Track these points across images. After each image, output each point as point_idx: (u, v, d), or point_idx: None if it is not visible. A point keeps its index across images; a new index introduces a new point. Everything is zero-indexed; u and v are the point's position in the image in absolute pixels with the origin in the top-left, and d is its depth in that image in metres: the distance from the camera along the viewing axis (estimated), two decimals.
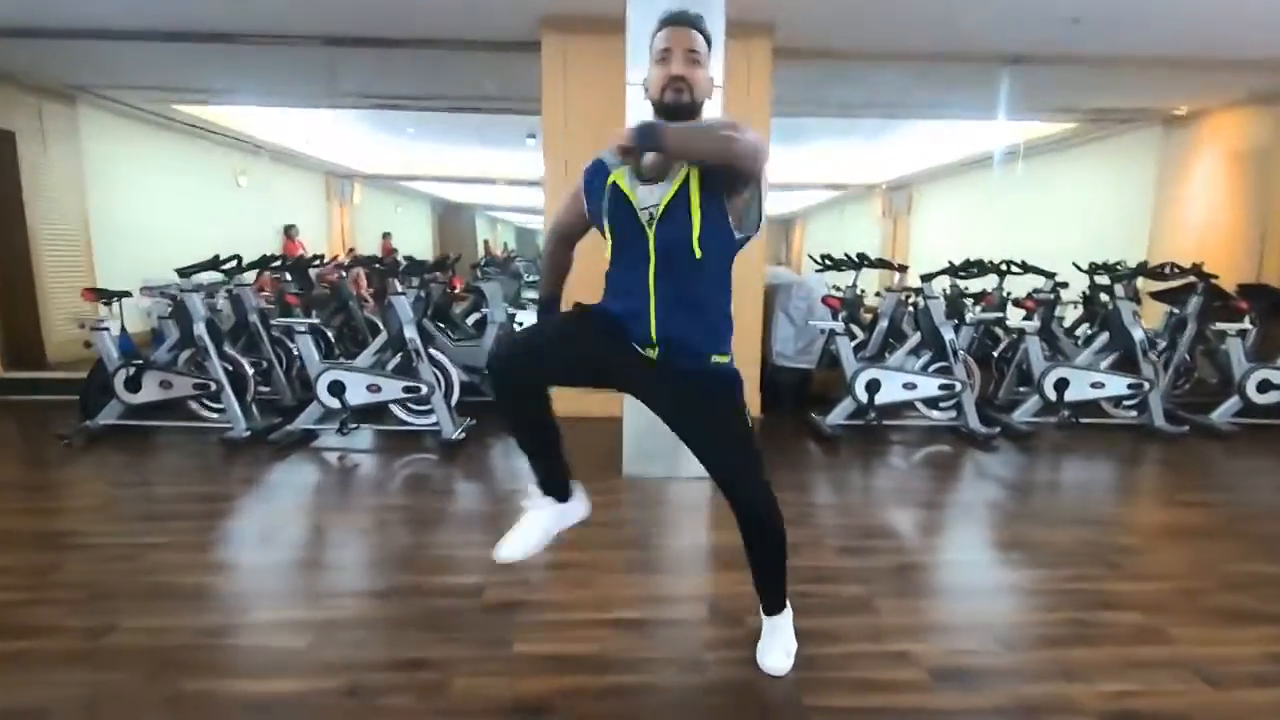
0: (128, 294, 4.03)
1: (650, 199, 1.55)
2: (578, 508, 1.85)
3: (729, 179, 1.51)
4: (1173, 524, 2.97)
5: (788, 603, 1.85)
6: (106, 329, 3.78)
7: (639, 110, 3.15)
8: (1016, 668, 1.84)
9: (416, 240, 16.38)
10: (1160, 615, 2.10)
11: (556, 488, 1.79)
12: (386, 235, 13.65)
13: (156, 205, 7.54)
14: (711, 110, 1.72)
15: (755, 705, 1.69)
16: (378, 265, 4.94)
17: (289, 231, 10.40)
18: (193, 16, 4.39)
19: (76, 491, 3.23)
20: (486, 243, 18.99)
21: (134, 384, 3.79)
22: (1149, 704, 1.68)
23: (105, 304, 3.85)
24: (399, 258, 13.03)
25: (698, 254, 1.53)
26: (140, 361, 3.79)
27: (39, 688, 1.71)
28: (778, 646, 1.81)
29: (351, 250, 12.01)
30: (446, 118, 7.41)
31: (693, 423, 1.70)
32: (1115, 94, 6.11)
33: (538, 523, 1.78)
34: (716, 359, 1.64)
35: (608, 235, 1.63)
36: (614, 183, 1.58)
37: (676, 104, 1.54)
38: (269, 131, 8.59)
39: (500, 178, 12.47)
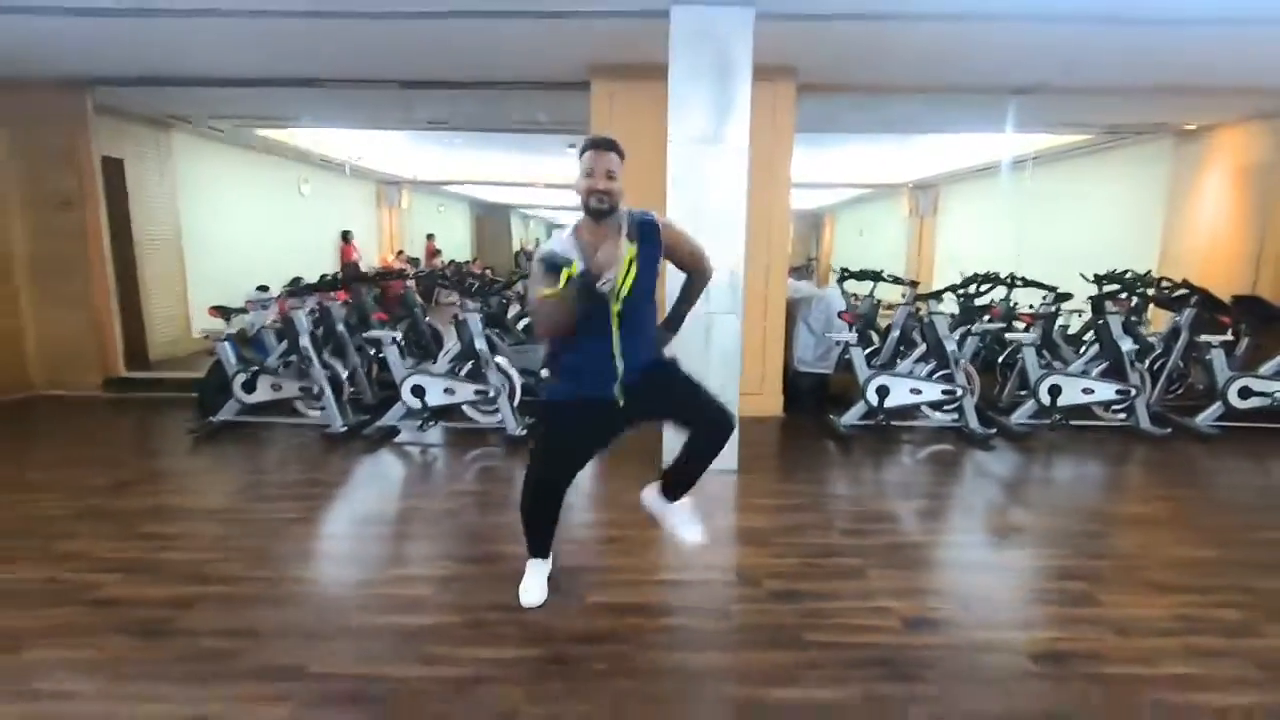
0: (243, 311, 4.74)
1: (605, 279, 2.09)
2: (551, 561, 2.59)
3: (671, 257, 2.33)
4: (1136, 515, 3.46)
5: None
6: (228, 339, 4.49)
7: (678, 157, 3.73)
8: (973, 620, 2.40)
9: (458, 238, 17.19)
10: (1097, 584, 2.63)
11: (548, 550, 2.53)
12: (430, 236, 14.43)
13: (233, 216, 8.35)
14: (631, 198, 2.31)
15: (767, 640, 2.28)
16: (441, 276, 5.54)
17: (346, 236, 11.20)
18: (286, 65, 5.06)
19: (214, 477, 3.95)
20: (521, 249, 19.67)
21: (250, 386, 4.50)
22: (1069, 647, 2.22)
23: (225, 319, 4.56)
24: (442, 259, 13.78)
25: (654, 297, 2.27)
26: (256, 367, 4.50)
27: (246, 618, 2.37)
28: (694, 520, 2.53)
29: (400, 252, 12.80)
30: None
31: (669, 398, 2.35)
32: (1125, 112, 6.46)
33: (540, 574, 2.51)
34: (652, 358, 2.33)
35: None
36: (570, 276, 2.05)
37: (599, 210, 2.14)
38: (326, 145, 9.33)
39: (539, 181, 13.12)
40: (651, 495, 2.57)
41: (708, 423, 2.33)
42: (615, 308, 2.17)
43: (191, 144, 7.50)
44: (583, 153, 2.16)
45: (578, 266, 2.10)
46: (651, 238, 2.22)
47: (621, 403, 2.25)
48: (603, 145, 2.15)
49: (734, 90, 3.63)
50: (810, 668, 2.12)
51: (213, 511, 3.34)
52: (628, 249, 2.15)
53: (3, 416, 5.07)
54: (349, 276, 5.31)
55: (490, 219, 19.18)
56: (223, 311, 4.56)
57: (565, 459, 2.36)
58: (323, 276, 4.88)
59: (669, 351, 2.48)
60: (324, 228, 10.82)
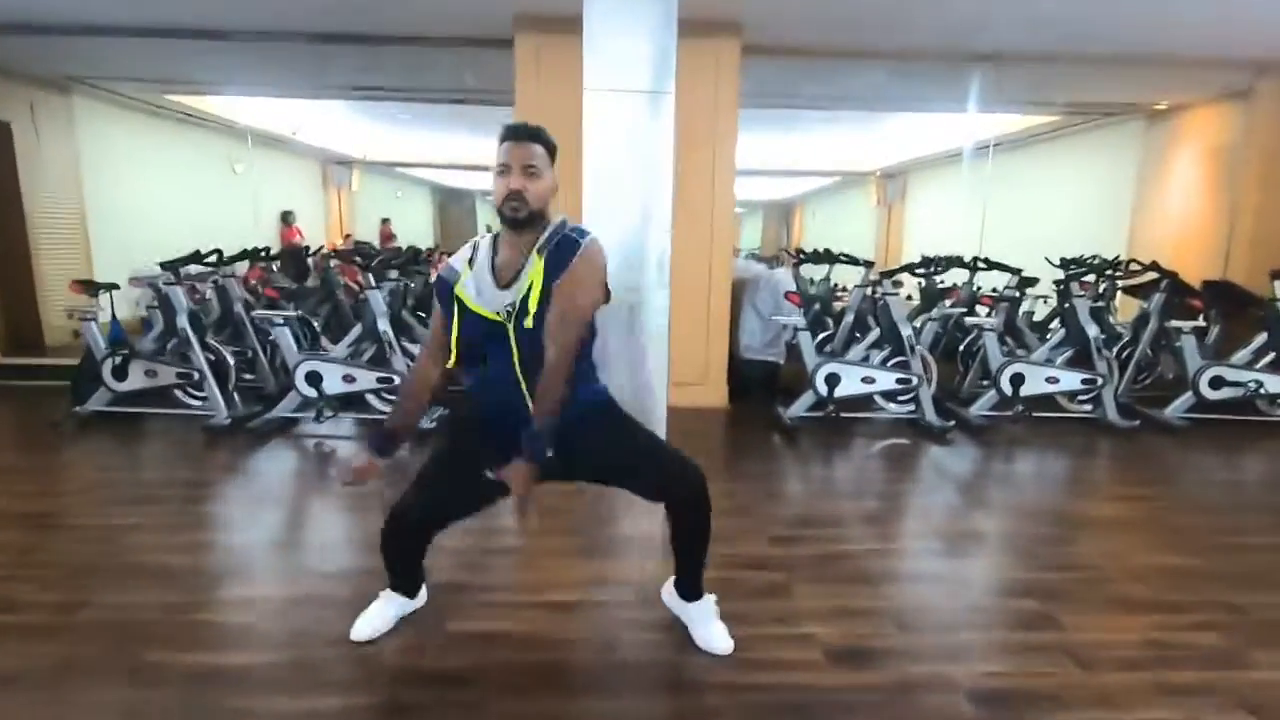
0: (115, 286, 4.20)
1: (504, 299, 1.68)
2: (420, 599, 2.12)
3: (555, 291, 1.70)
4: (1100, 516, 3.10)
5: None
6: (93, 319, 3.94)
7: (594, 107, 3.28)
8: (908, 649, 1.99)
9: (418, 225, 16.52)
10: (1055, 602, 2.25)
11: (413, 589, 2.07)
12: (386, 221, 13.76)
13: (152, 193, 7.68)
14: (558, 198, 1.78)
15: (658, 680, 1.86)
16: (355, 259, 5.04)
17: (286, 218, 10.54)
18: (182, 13, 4.50)
19: (64, 475, 3.42)
20: (489, 227, 19.09)
21: (121, 372, 3.96)
22: (1016, 684, 1.83)
23: (92, 295, 4.01)
24: (398, 244, 13.21)
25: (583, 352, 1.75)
26: (127, 351, 3.96)
27: (10, 658, 1.89)
28: (719, 624, 1.98)
29: (349, 236, 12.15)
30: (436, 107, 7.51)
31: (604, 458, 1.83)
32: (1094, 89, 6.15)
33: (389, 609, 2.02)
34: (576, 408, 1.74)
35: (455, 346, 1.73)
36: (455, 294, 1.70)
37: (515, 219, 1.65)
38: (261, 119, 8.70)
39: (491, 165, 12.55)
40: (669, 594, 2.06)
41: (674, 494, 1.80)
42: (513, 351, 1.70)
43: (97, 111, 6.83)
44: (499, 144, 1.68)
45: (465, 290, 1.70)
46: (562, 261, 1.67)
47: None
48: (522, 134, 1.67)
49: (661, 28, 3.19)
50: (706, 718, 1.70)
51: (36, 517, 2.83)
52: (533, 266, 1.67)
53: None
54: (246, 253, 4.74)
55: (454, 205, 18.52)
56: (89, 286, 4.01)
57: (437, 488, 1.84)
58: (200, 251, 4.30)
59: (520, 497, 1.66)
60: (262, 208, 10.15)
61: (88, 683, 1.79)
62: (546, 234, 1.70)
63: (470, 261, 1.73)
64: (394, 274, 4.43)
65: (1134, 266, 5.04)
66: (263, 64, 5.64)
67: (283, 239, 10.48)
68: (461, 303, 1.71)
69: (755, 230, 17.76)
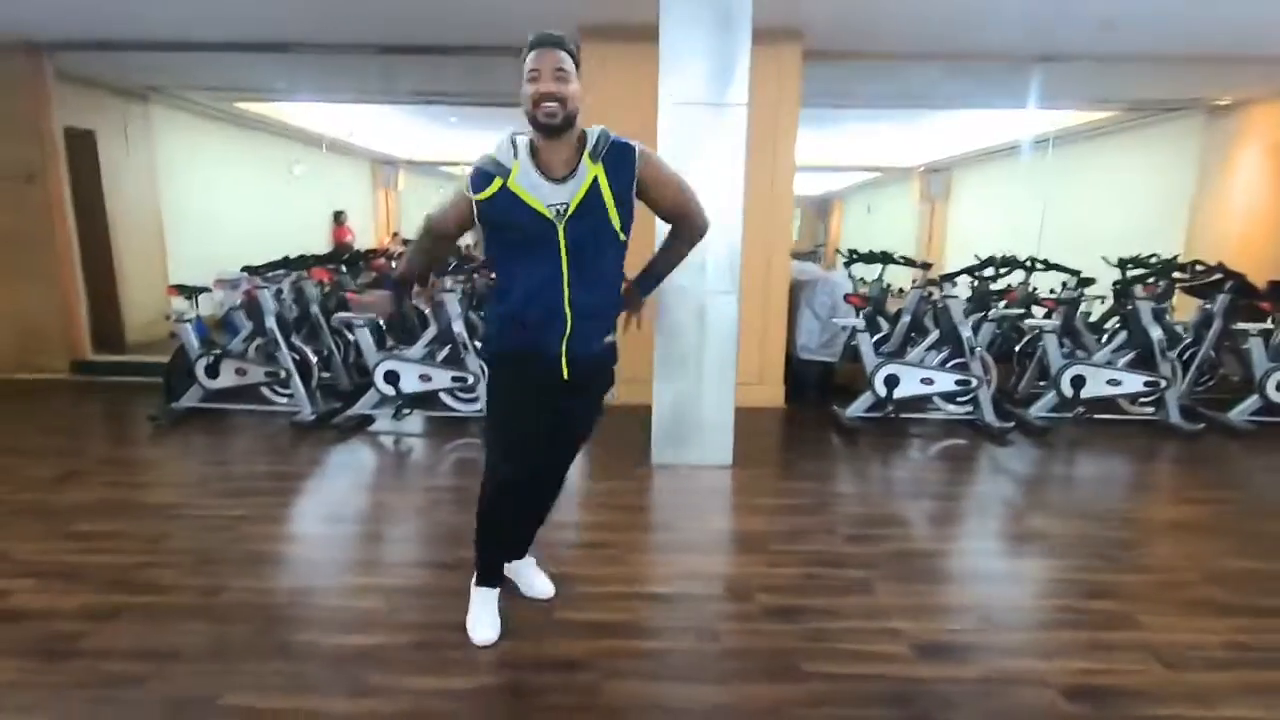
0: (208, 289, 4.44)
1: (557, 197, 1.72)
2: (525, 567, 2.32)
3: (647, 198, 1.86)
4: (1174, 520, 3.14)
5: None
6: (190, 321, 4.19)
7: (670, 120, 3.39)
8: (997, 645, 2.09)
9: None
10: (1136, 603, 2.32)
11: (496, 576, 2.13)
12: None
13: (219, 195, 8.03)
14: (586, 117, 1.82)
15: (761, 669, 1.97)
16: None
17: (338, 218, 10.87)
18: (257, 29, 4.72)
19: (173, 468, 3.66)
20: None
21: (213, 371, 4.20)
22: (1107, 681, 1.91)
23: (187, 298, 4.26)
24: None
25: (622, 237, 1.82)
26: (219, 351, 4.20)
27: (170, 635, 2.09)
28: (544, 578, 2.30)
29: (396, 234, 12.47)
30: (484, 108, 7.68)
31: (581, 413, 2.00)
32: (1154, 86, 6.07)
33: (491, 605, 2.11)
34: (609, 339, 1.92)
35: (504, 238, 1.80)
36: (506, 187, 1.73)
37: (551, 124, 1.68)
38: (320, 123, 8.98)
39: None
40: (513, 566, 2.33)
41: (548, 482, 2.09)
42: (562, 253, 1.75)
43: (173, 118, 7.17)
44: (525, 54, 1.72)
45: (519, 183, 1.72)
46: (623, 165, 1.76)
47: (566, 375, 1.85)
48: (548, 42, 1.71)
49: (733, 44, 3.28)
50: (812, 705, 1.82)
51: (158, 508, 3.06)
52: (589, 169, 1.72)
53: None
54: (327, 256, 4.97)
55: None
56: (184, 290, 4.26)
57: (514, 439, 1.89)
58: (289, 257, 4.53)
59: (632, 314, 2.09)
60: (316, 209, 10.48)
61: (245, 657, 1.98)
62: (594, 140, 1.75)
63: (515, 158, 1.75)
64: (461, 277, 4.61)
65: (1198, 267, 4.98)
66: (331, 73, 5.86)
67: (334, 238, 10.82)
68: (514, 196, 1.72)
69: (792, 226, 17.66)
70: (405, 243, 11.98)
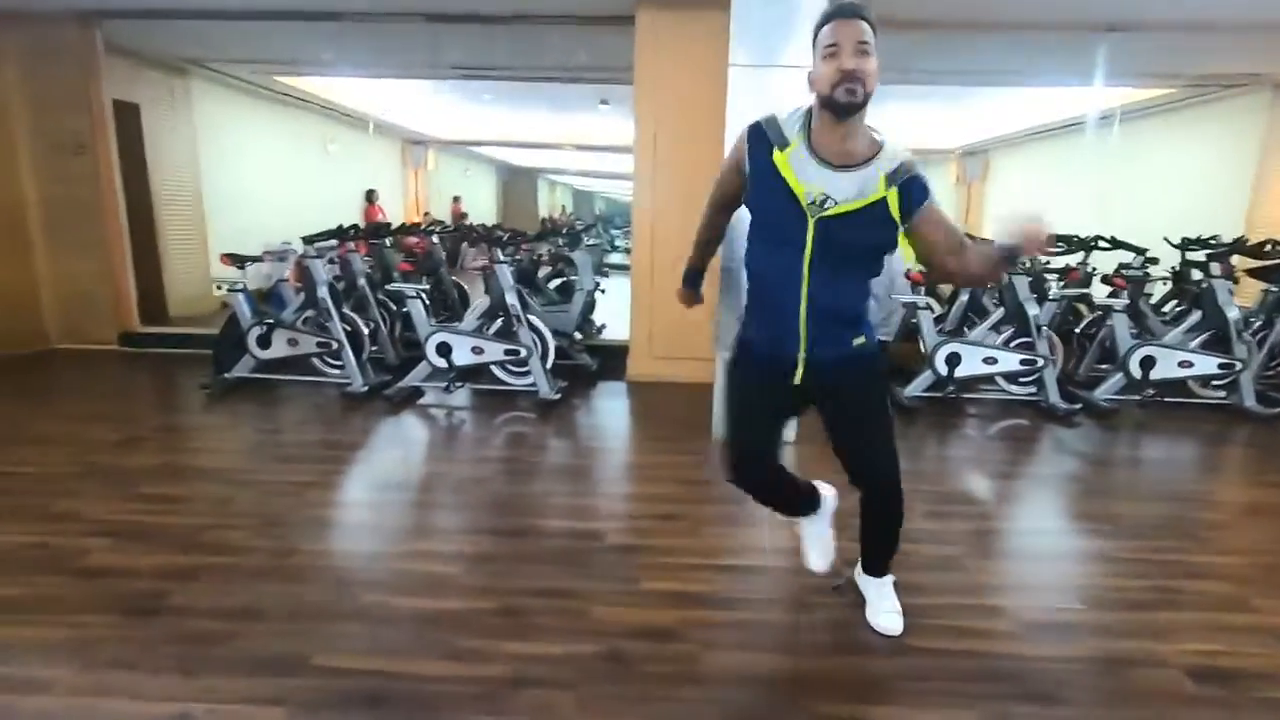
0: (259, 259, 4.42)
1: (820, 184, 1.55)
2: (830, 499, 2.06)
3: (921, 231, 1.61)
4: (1258, 502, 3.01)
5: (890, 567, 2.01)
6: (243, 290, 4.17)
7: (741, 91, 3.28)
8: (1104, 625, 1.99)
9: (482, 203, 16.79)
10: (1244, 586, 2.21)
11: (797, 508, 2.02)
12: (457, 199, 14.06)
13: (255, 169, 8.03)
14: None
15: (857, 643, 1.90)
16: (472, 231, 5.17)
17: (370, 196, 10.86)
18: None
19: (229, 435, 3.65)
20: (549, 216, 19.22)
21: (265, 341, 4.19)
22: (1232, 663, 1.81)
23: (239, 268, 4.23)
24: (468, 222, 13.47)
25: (882, 259, 1.66)
26: (272, 321, 4.18)
27: (248, 594, 2.06)
28: (888, 607, 1.96)
29: (427, 214, 12.45)
30: (519, 85, 7.59)
31: (847, 414, 1.77)
32: (1221, 59, 5.80)
33: (819, 529, 2.03)
34: (856, 341, 1.71)
35: (758, 216, 1.67)
36: (772, 161, 1.58)
37: (850, 104, 1.49)
38: (356, 100, 8.95)
39: (568, 142, 12.63)
40: (857, 570, 2.09)
41: (871, 494, 1.80)
42: (807, 246, 1.57)
43: (213, 92, 7.16)
44: (820, 27, 1.53)
45: (791, 161, 1.55)
46: (915, 198, 1.57)
47: (798, 380, 1.70)
48: (849, 12, 1.49)
49: (801, 4, 3.15)
50: (915, 679, 1.74)
51: (220, 472, 3.04)
52: (878, 184, 1.55)
53: (17, 370, 4.83)
54: (371, 229, 4.93)
55: (517, 183, 18.73)
56: (236, 259, 4.23)
57: (744, 420, 1.80)
58: (344, 227, 4.50)
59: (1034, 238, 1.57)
60: (349, 187, 10.49)
61: (325, 617, 1.94)
62: (894, 163, 1.57)
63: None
64: (512, 250, 4.54)
65: (1269, 248, 4.77)
66: (375, 45, 5.79)
67: (366, 216, 10.82)
68: (779, 172, 1.58)
69: None
70: (435, 222, 12.00)
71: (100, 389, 4.44)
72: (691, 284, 2.03)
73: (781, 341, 1.68)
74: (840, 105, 1.50)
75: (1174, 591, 2.18)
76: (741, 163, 1.67)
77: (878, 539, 1.93)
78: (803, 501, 2.00)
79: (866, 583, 2.03)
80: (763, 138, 1.61)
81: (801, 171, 1.57)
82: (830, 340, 1.68)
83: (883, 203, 1.56)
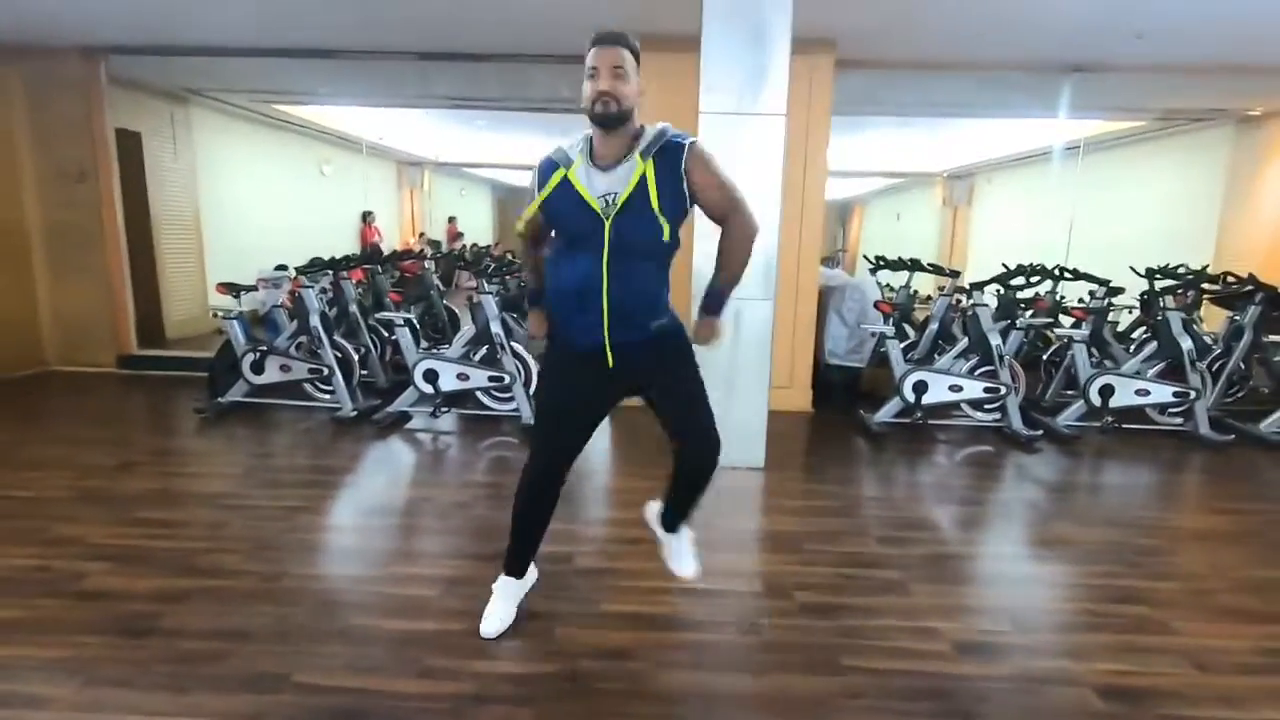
0: (254, 288, 4.59)
1: (603, 186, 1.79)
2: (531, 578, 2.26)
3: (701, 201, 1.89)
4: (1200, 529, 3.18)
5: None
6: (237, 318, 4.33)
7: (710, 129, 3.47)
8: (1028, 646, 2.15)
9: (479, 223, 17.01)
10: (1169, 610, 2.37)
11: (523, 567, 2.19)
12: (452, 220, 14.25)
13: (252, 194, 8.23)
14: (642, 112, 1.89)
15: (801, 662, 2.05)
16: (460, 259, 5.36)
17: (366, 218, 11.04)
18: (303, 36, 4.88)
19: (219, 459, 3.80)
20: None
21: (258, 367, 4.35)
22: (1142, 682, 1.97)
23: (234, 296, 4.41)
24: (464, 242, 13.66)
25: (666, 238, 1.84)
26: (264, 347, 4.34)
27: (239, 616, 2.20)
28: (690, 553, 2.31)
29: (422, 234, 12.64)
30: (512, 113, 7.80)
31: (665, 385, 2.00)
32: (1185, 96, 6.06)
33: (509, 599, 2.18)
34: (656, 324, 1.94)
35: (560, 229, 1.90)
36: (565, 178, 1.82)
37: (605, 115, 1.76)
38: (351, 125, 9.17)
39: None
40: (651, 515, 2.37)
41: (693, 447, 2.02)
42: (605, 246, 1.80)
43: (211, 120, 7.38)
44: (587, 51, 1.79)
45: (578, 174, 1.80)
46: (672, 161, 1.81)
47: (611, 363, 1.91)
48: (608, 40, 1.77)
49: (772, 55, 3.37)
50: (851, 697, 1.89)
51: (213, 497, 3.19)
52: (638, 165, 1.78)
53: (15, 392, 4.99)
54: (364, 257, 5.11)
55: (513, 203, 18.96)
56: (231, 288, 4.41)
57: (554, 426, 2.00)
58: (336, 259, 4.68)
59: (709, 345, 2.06)
60: (345, 209, 10.68)
61: (311, 638, 2.09)
62: (649, 138, 1.81)
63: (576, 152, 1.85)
64: (497, 279, 4.72)
65: (1229, 279, 4.98)
66: (369, 79, 6.01)
67: (362, 239, 11.00)
68: (571, 186, 1.81)
69: (822, 232, 17.65)
70: (430, 243, 12.19)
71: (97, 412, 4.59)
72: (534, 303, 2.13)
73: (589, 331, 1.89)
74: (598, 116, 1.77)
75: (1100, 615, 2.34)
76: (534, 192, 1.90)
77: (687, 494, 2.15)
78: (530, 553, 2.18)
79: (669, 538, 2.31)
80: (551, 166, 1.86)
81: (587, 180, 1.81)
82: (633, 327, 1.90)
83: (643, 180, 1.78)
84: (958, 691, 1.92)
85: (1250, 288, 4.75)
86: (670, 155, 1.82)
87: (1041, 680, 1.97)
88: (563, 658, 2.03)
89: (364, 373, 4.95)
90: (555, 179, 1.84)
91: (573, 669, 1.98)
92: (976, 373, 4.37)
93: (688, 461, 2.06)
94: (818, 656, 2.07)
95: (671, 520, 2.27)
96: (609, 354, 1.91)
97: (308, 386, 4.55)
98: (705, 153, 1.86)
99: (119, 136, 5.70)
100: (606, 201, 1.79)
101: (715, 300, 2.01)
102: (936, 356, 4.97)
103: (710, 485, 2.11)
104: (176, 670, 1.93)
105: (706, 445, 2.01)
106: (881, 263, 5.69)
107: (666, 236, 1.85)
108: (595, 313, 1.86)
